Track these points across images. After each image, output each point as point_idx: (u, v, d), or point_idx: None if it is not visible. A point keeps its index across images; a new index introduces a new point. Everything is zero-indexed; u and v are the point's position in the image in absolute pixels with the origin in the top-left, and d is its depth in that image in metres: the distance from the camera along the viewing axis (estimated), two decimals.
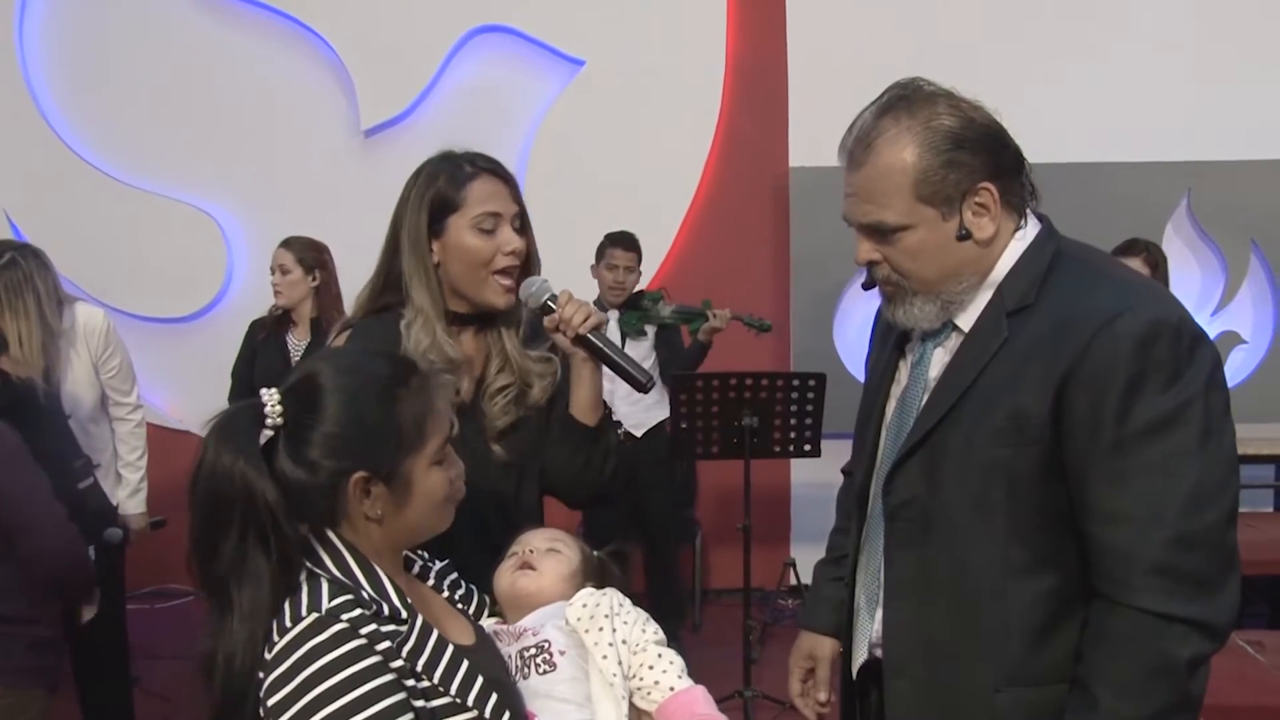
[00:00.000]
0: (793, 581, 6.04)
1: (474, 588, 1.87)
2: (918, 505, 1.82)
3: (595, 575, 1.91)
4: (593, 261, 5.33)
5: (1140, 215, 5.87)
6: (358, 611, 1.46)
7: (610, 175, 6.25)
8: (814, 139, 6.13)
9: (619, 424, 4.99)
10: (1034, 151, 1.83)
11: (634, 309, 5.34)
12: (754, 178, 6.43)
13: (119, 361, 4.02)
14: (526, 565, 1.85)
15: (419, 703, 1.47)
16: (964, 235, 1.76)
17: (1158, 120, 6.12)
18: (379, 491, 1.53)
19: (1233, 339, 6.20)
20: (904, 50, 5.94)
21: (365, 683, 1.41)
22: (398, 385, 1.56)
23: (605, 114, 6.29)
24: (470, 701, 1.53)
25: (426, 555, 1.81)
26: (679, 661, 1.79)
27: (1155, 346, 1.64)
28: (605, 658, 1.72)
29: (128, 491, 4.09)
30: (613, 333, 5.29)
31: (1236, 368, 6.22)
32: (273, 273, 4.71)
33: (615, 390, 5.18)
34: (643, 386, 2.10)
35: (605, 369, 2.14)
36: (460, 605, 1.80)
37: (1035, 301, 1.75)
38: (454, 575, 1.84)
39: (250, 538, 1.46)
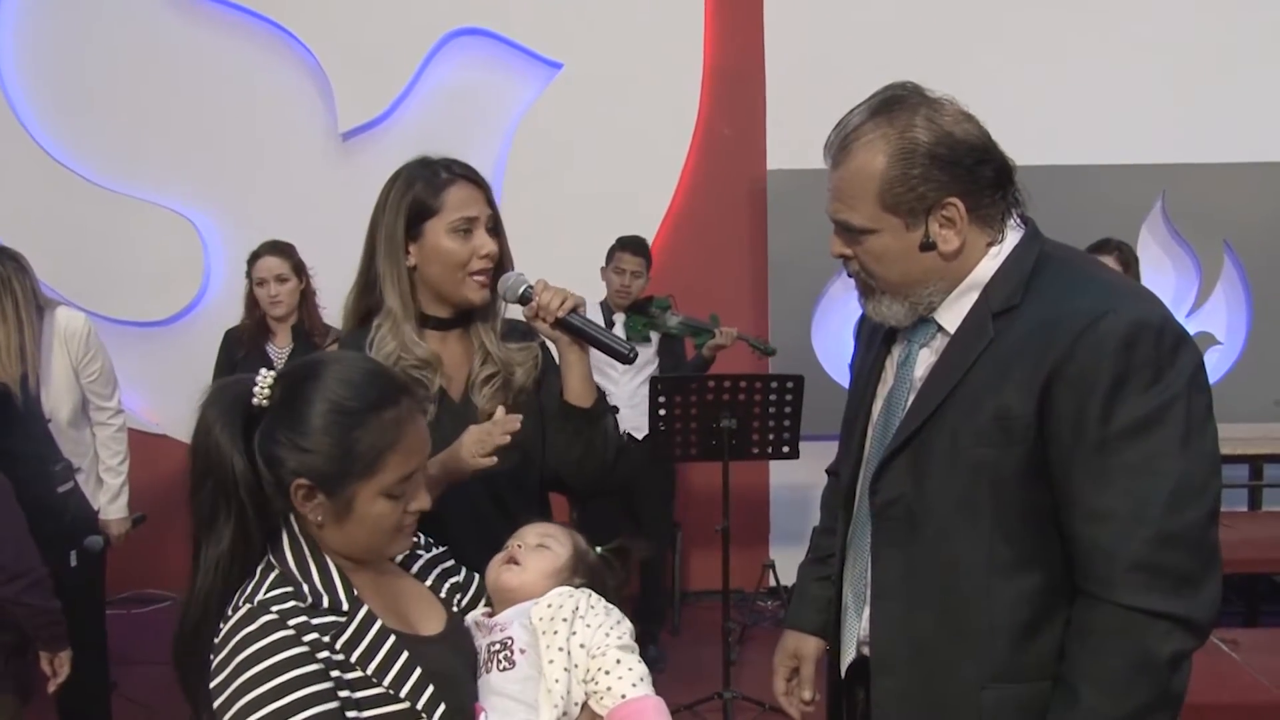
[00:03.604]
0: (772, 583, 6.06)
1: (475, 575, 1.89)
2: (904, 504, 1.84)
3: (588, 573, 1.90)
4: (575, 263, 5.30)
5: (1115, 217, 5.90)
6: (290, 604, 1.53)
7: (588, 178, 6.26)
8: (792, 142, 6.16)
9: (616, 408, 4.98)
10: (1009, 154, 1.84)
11: (641, 314, 5.32)
12: (732, 181, 6.44)
13: (100, 365, 3.99)
14: (512, 560, 1.87)
15: (345, 693, 1.51)
16: (927, 245, 1.78)
17: (1132, 123, 6.16)
18: (321, 501, 1.57)
19: (1207, 340, 6.24)
20: (881, 53, 5.97)
21: (288, 670, 1.47)
22: (370, 411, 1.58)
23: (583, 117, 6.29)
24: (403, 693, 1.57)
25: (421, 539, 1.85)
26: (639, 669, 1.76)
27: (1138, 347, 1.65)
28: (551, 662, 1.71)
29: (109, 496, 4.07)
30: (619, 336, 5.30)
31: (1211, 368, 6.15)
32: (262, 284, 4.60)
33: (617, 394, 5.20)
34: (625, 357, 2.18)
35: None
36: (445, 595, 1.82)
37: (1020, 303, 1.76)
38: (449, 563, 1.87)
39: (219, 497, 1.56)
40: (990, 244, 1.81)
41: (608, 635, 1.76)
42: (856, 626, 1.96)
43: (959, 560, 1.78)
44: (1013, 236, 1.83)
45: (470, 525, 2.06)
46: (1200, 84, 6.18)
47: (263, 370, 1.60)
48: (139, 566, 5.46)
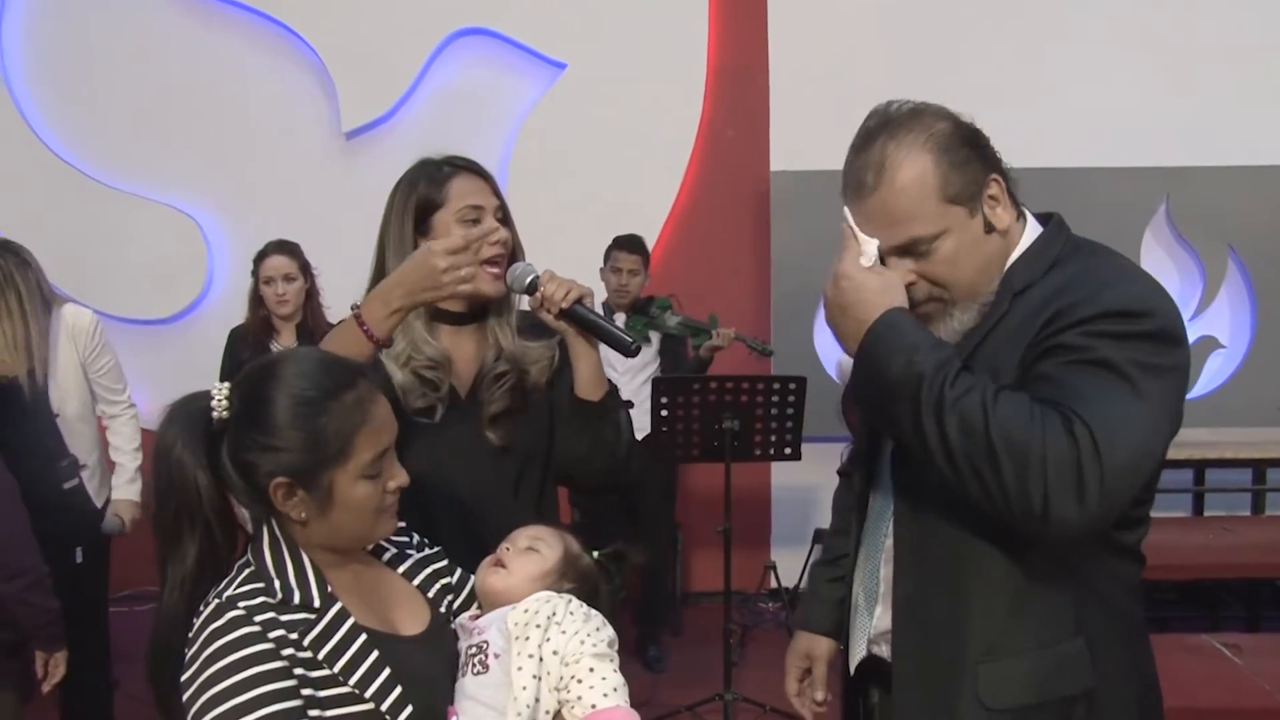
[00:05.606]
0: (773, 584, 6.04)
1: (469, 576, 1.87)
2: (921, 482, 1.80)
3: (579, 577, 1.85)
4: (578, 263, 5.30)
5: (1119, 221, 5.91)
6: (259, 600, 1.55)
7: (591, 179, 6.26)
8: (795, 144, 6.17)
9: (630, 403, 4.98)
10: (1013, 157, 1.84)
11: (641, 314, 5.33)
12: (735, 182, 6.44)
13: (108, 360, 3.99)
14: (499, 563, 1.84)
15: (308, 691, 1.51)
16: (989, 228, 1.78)
17: (1137, 126, 6.16)
18: (302, 496, 1.57)
19: (1211, 344, 6.24)
20: (883, 56, 6.00)
21: (250, 666, 1.48)
22: (329, 398, 1.58)
23: (587, 117, 6.30)
24: (369, 693, 1.57)
25: (415, 539, 1.85)
26: (613, 679, 1.71)
27: (1131, 318, 1.63)
28: (520, 669, 1.67)
29: (125, 478, 4.06)
30: None
31: (1214, 372, 6.27)
32: (270, 283, 4.60)
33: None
34: (628, 350, 2.14)
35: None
36: (435, 595, 1.81)
37: (1038, 281, 1.76)
38: (443, 563, 1.86)
39: (183, 517, 1.58)
40: (1017, 218, 1.83)
41: (583, 643, 1.71)
42: (867, 625, 1.95)
43: (963, 529, 1.75)
44: (1032, 220, 1.84)
45: (460, 527, 2.04)
46: (1205, 87, 6.17)
47: (216, 384, 1.60)
48: (141, 564, 5.44)
